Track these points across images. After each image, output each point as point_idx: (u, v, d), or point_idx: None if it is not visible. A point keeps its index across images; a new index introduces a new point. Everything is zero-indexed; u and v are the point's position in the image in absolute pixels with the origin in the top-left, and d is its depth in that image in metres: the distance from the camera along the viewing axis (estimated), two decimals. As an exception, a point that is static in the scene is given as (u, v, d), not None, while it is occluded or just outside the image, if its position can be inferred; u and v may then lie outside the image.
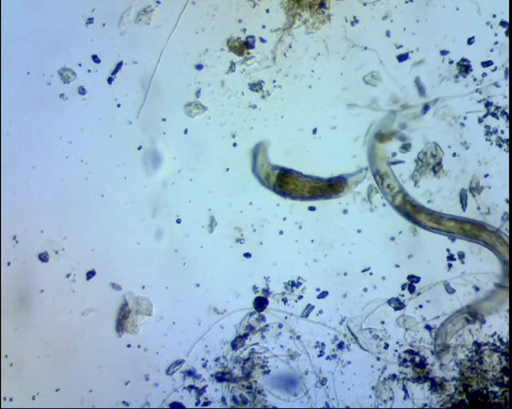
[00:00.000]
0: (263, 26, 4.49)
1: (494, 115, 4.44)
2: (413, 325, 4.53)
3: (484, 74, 4.43)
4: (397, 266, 4.53)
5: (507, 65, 4.42)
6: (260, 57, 4.50)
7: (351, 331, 4.56)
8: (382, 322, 4.55)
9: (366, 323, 4.55)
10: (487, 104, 4.45)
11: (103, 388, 4.68)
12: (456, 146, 4.48)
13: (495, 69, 4.42)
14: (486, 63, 4.43)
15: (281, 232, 4.57)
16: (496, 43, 4.42)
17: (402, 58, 4.45)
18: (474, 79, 4.44)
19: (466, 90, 4.44)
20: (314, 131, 4.52)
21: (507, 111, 4.44)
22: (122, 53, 4.56)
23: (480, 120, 4.46)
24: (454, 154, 4.48)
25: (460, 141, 4.47)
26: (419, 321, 4.54)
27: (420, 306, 4.55)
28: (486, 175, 4.48)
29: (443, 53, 4.45)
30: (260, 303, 4.58)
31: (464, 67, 4.43)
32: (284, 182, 4.50)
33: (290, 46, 4.49)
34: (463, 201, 4.49)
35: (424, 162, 4.46)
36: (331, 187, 4.50)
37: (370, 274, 4.53)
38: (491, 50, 4.42)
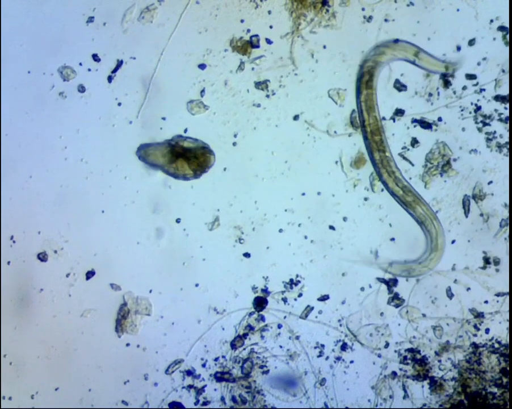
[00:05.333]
0: (270, 27, 4.50)
1: (489, 117, 4.47)
2: (416, 317, 4.55)
3: (465, 87, 4.47)
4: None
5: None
6: (271, 57, 4.52)
7: (350, 330, 4.57)
8: (381, 314, 4.57)
9: (365, 317, 4.57)
10: (477, 109, 4.48)
11: (102, 387, 4.67)
12: (457, 152, 4.52)
13: (477, 84, 4.46)
14: (470, 76, 4.47)
15: (280, 230, 4.58)
16: (484, 59, 4.47)
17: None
18: (454, 93, 4.47)
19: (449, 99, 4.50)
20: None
21: (499, 116, 4.47)
22: (123, 51, 4.56)
23: (479, 130, 4.49)
24: (455, 160, 4.53)
25: (460, 147, 4.51)
26: (422, 311, 4.57)
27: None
28: (490, 182, 4.51)
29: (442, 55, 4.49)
30: (260, 303, 4.59)
31: (445, 81, 4.47)
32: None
33: (301, 45, 4.50)
34: (465, 208, 4.52)
35: (432, 163, 4.49)
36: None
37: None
38: (478, 64, 4.46)
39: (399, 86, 4.48)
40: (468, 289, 4.53)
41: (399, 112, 4.49)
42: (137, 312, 4.61)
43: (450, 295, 4.53)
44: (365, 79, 4.44)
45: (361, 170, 4.54)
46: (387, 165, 4.48)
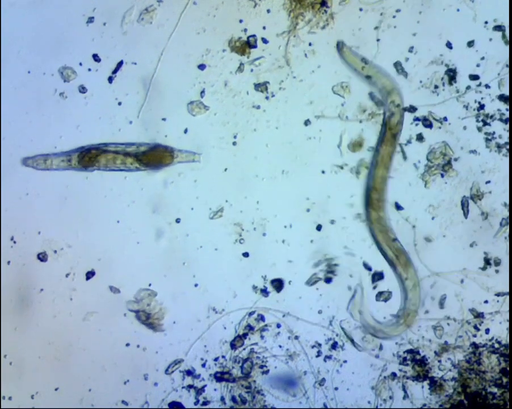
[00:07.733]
0: (264, 28, 4.50)
1: (491, 117, 4.47)
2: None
3: (468, 87, 4.46)
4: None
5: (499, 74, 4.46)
6: (269, 58, 4.51)
7: (345, 332, 4.57)
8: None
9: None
10: (480, 108, 4.47)
11: (102, 387, 4.67)
12: (458, 152, 4.52)
13: (480, 84, 4.45)
14: (473, 77, 4.46)
15: (281, 229, 4.59)
16: (483, 58, 4.46)
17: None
18: (457, 91, 4.47)
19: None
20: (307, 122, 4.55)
21: (500, 116, 4.47)
22: (123, 52, 4.56)
23: (479, 129, 4.49)
24: (456, 159, 4.52)
25: (459, 146, 4.51)
26: (421, 312, 4.57)
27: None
28: (488, 182, 4.51)
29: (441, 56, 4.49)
30: (278, 285, 4.57)
31: (450, 77, 4.46)
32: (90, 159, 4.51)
33: (293, 46, 4.50)
34: (465, 209, 4.51)
35: (433, 162, 4.48)
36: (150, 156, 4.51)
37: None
38: (478, 65, 4.46)
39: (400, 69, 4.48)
40: (470, 291, 4.54)
41: (412, 108, 4.48)
42: (148, 304, 4.61)
43: (444, 300, 4.55)
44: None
45: (356, 154, 4.53)
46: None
